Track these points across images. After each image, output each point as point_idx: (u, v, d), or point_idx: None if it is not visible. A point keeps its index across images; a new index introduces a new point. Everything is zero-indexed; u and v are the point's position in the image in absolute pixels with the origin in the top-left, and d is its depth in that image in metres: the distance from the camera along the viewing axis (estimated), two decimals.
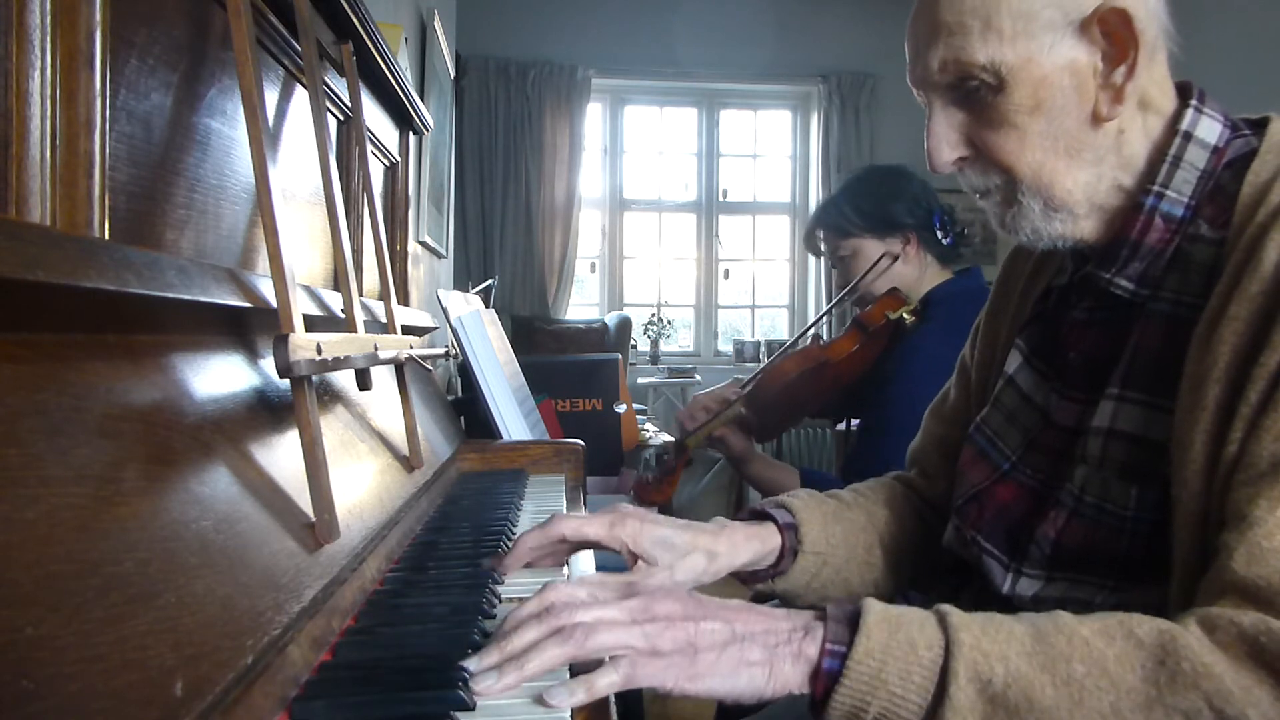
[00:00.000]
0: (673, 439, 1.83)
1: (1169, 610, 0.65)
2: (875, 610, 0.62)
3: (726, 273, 5.69)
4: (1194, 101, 0.77)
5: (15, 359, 0.42)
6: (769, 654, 0.60)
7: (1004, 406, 0.90)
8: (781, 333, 5.73)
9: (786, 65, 5.32)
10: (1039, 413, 0.86)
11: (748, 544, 0.88)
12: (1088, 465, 0.77)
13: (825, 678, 0.60)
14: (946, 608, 0.62)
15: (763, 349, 5.30)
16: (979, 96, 0.75)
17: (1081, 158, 0.75)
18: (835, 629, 0.61)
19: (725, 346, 5.69)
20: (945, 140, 0.79)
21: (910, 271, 1.60)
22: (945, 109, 0.79)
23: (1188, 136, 0.75)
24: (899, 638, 0.60)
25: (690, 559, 0.81)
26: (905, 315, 1.54)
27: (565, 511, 0.81)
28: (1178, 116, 0.76)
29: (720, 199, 5.67)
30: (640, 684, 0.58)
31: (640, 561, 0.80)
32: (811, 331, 1.84)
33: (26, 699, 0.33)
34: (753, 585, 0.92)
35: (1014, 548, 0.82)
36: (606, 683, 0.57)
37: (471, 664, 0.58)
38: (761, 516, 0.92)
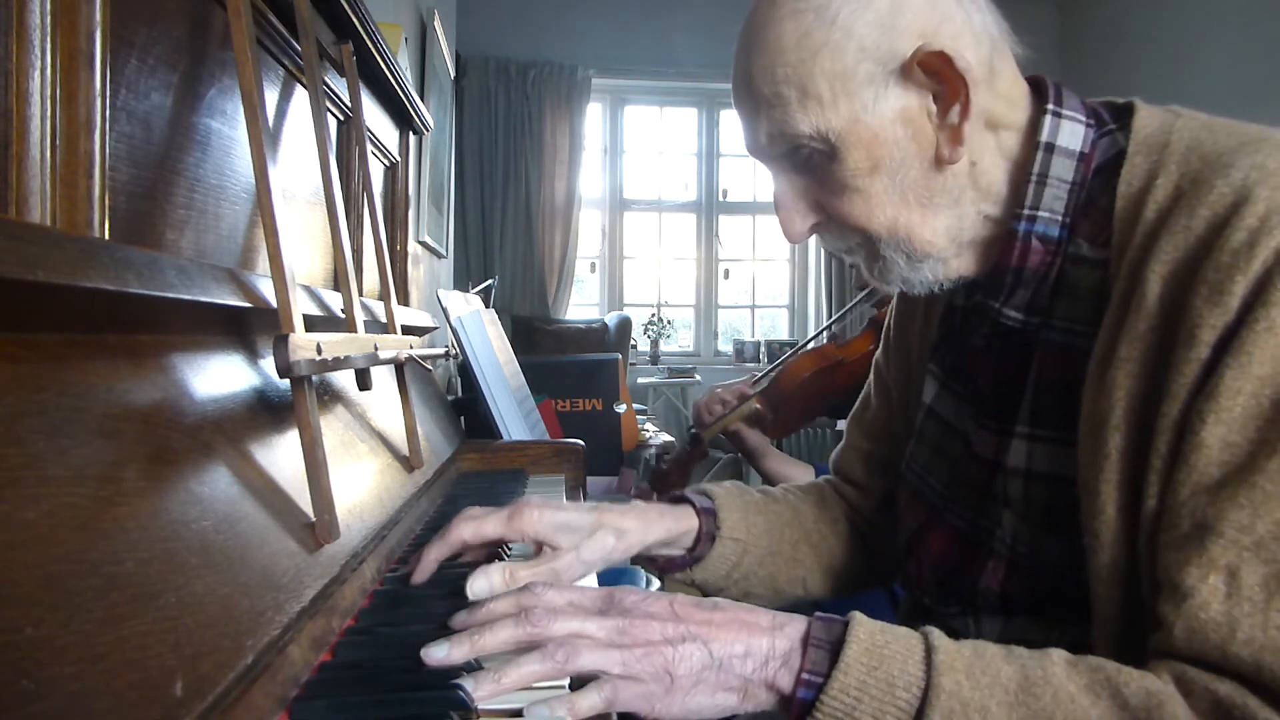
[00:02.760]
0: (672, 439, 1.84)
1: (1094, 653, 0.64)
2: (860, 638, 0.59)
3: (726, 273, 5.69)
4: (1050, 105, 0.72)
5: (15, 359, 0.42)
6: (743, 681, 0.60)
7: (928, 439, 0.88)
8: (781, 333, 5.73)
9: None
10: (961, 439, 0.83)
11: (660, 520, 0.86)
12: (1013, 511, 0.75)
13: (799, 706, 0.59)
14: (936, 639, 0.60)
15: (763, 349, 5.31)
16: (815, 163, 0.72)
17: (935, 204, 0.71)
18: (815, 656, 0.60)
19: (725, 346, 5.69)
20: (795, 211, 0.75)
21: None
22: (786, 176, 0.74)
23: (1050, 148, 0.71)
24: (878, 674, 0.57)
25: (596, 538, 0.79)
26: None
27: (474, 508, 0.80)
28: (1035, 126, 0.72)
29: (720, 199, 5.67)
30: (620, 708, 0.58)
31: (545, 548, 0.78)
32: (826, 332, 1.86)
33: (26, 699, 0.33)
34: (671, 574, 0.90)
35: (963, 600, 0.80)
36: (588, 704, 0.57)
37: (439, 650, 0.58)
38: (680, 501, 0.91)
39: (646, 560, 0.89)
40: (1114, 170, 0.69)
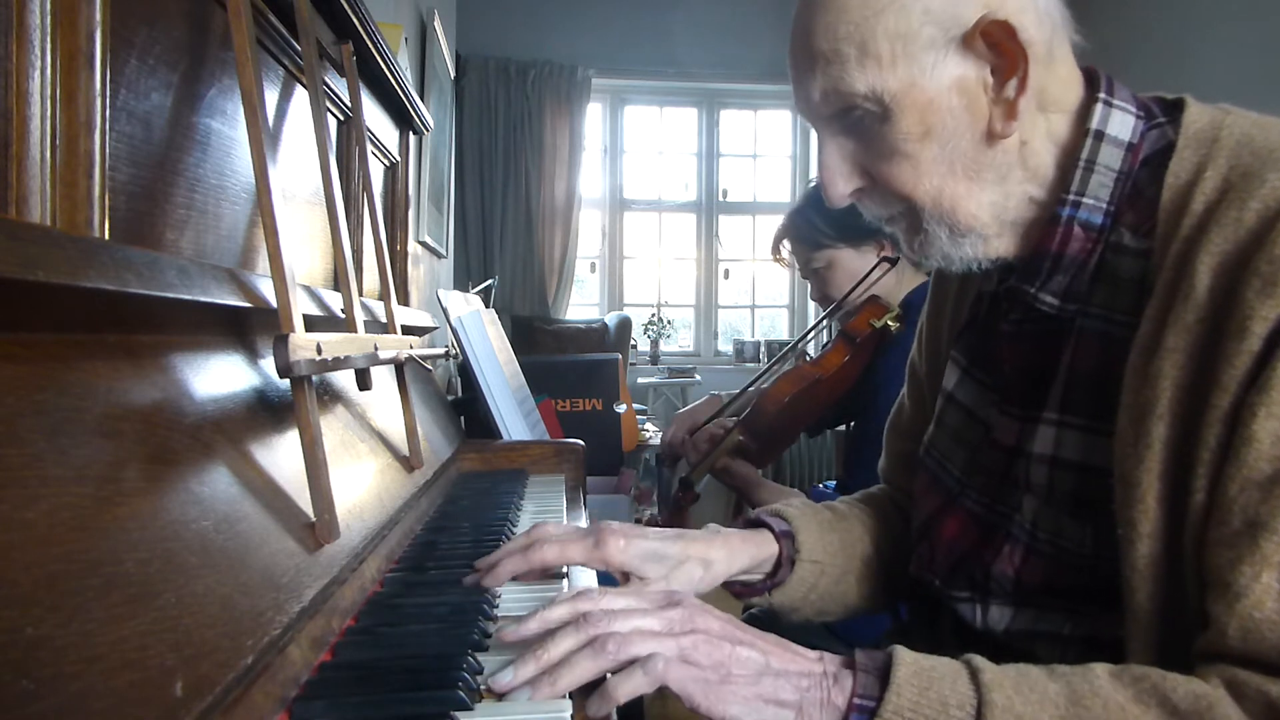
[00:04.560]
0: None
1: (1127, 648, 0.64)
2: (906, 663, 0.60)
3: (726, 273, 5.69)
4: (1102, 94, 0.72)
5: (15, 359, 0.42)
6: (799, 696, 0.60)
7: (948, 426, 0.88)
8: (781, 333, 5.73)
9: (786, 65, 5.32)
10: (982, 426, 0.83)
11: (744, 549, 0.86)
12: (1035, 496, 0.75)
13: None
14: (979, 661, 0.60)
15: (762, 349, 5.31)
16: (866, 125, 0.71)
17: (983, 178, 0.71)
18: (865, 680, 0.60)
19: (725, 346, 5.69)
20: (838, 173, 0.74)
21: (888, 279, 1.59)
22: (834, 139, 0.74)
23: (1099, 136, 0.71)
24: (930, 695, 0.58)
25: (684, 569, 0.79)
26: (890, 322, 1.54)
27: (550, 524, 0.78)
28: (1086, 113, 0.72)
29: (720, 199, 5.67)
30: (669, 684, 0.58)
31: (632, 577, 0.77)
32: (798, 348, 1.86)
33: (26, 699, 0.33)
34: (748, 599, 0.90)
35: (974, 586, 0.80)
36: (631, 686, 0.57)
37: (507, 675, 0.58)
38: (756, 525, 0.90)
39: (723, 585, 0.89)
40: (1162, 162, 0.69)
